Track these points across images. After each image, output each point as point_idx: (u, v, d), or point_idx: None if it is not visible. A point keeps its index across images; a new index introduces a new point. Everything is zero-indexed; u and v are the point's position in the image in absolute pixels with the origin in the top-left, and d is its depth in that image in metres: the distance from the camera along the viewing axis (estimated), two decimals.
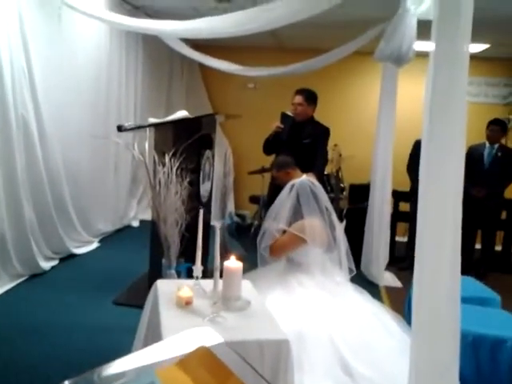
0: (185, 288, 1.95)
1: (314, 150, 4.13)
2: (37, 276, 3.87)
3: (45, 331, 2.96)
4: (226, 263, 1.92)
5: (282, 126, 4.22)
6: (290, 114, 4.25)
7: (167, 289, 2.08)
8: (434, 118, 1.96)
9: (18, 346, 2.75)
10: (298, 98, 4.20)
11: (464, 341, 2.36)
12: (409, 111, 5.31)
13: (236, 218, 6.40)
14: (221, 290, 1.95)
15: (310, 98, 4.23)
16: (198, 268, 2.12)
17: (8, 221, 3.65)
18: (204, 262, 2.23)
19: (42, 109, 3.93)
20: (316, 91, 4.31)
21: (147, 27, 3.85)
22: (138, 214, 6.20)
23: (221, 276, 2.00)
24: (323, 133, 4.24)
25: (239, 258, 1.97)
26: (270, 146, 4.27)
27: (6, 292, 3.52)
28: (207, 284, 2.10)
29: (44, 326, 3.02)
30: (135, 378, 0.66)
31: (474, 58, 1.89)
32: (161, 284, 2.17)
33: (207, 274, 2.40)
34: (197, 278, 2.13)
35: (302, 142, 4.13)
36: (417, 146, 4.69)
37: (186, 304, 1.91)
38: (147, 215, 5.09)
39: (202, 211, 2.20)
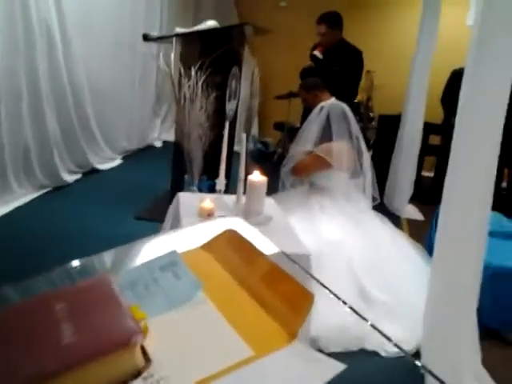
0: (207, 200, 1.93)
1: (344, 78, 3.94)
2: (60, 188, 3.93)
3: (64, 238, 3.02)
4: (250, 177, 1.88)
5: (313, 66, 4.15)
6: (319, 55, 4.07)
7: (189, 201, 2.06)
8: (481, 43, 1.79)
9: (37, 249, 2.82)
10: (321, 28, 3.95)
11: (484, 273, 2.32)
12: (450, 39, 4.97)
13: (259, 145, 6.32)
14: (243, 203, 1.92)
15: (333, 22, 3.98)
16: (221, 181, 2.09)
17: (32, 132, 3.65)
18: (227, 178, 2.19)
19: (66, 14, 3.80)
20: (349, 13, 4.05)
21: None
22: (161, 134, 6.16)
23: (245, 192, 1.96)
24: (353, 58, 4.01)
25: (264, 173, 1.92)
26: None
27: (31, 201, 3.59)
28: (229, 199, 2.07)
29: (64, 234, 3.09)
30: (157, 258, 0.62)
31: None
32: (183, 196, 2.15)
33: (229, 190, 2.37)
34: (219, 191, 2.10)
35: (332, 70, 3.94)
36: (454, 76, 4.42)
37: (207, 215, 1.89)
38: (170, 136, 5.04)
39: (227, 123, 2.13)
